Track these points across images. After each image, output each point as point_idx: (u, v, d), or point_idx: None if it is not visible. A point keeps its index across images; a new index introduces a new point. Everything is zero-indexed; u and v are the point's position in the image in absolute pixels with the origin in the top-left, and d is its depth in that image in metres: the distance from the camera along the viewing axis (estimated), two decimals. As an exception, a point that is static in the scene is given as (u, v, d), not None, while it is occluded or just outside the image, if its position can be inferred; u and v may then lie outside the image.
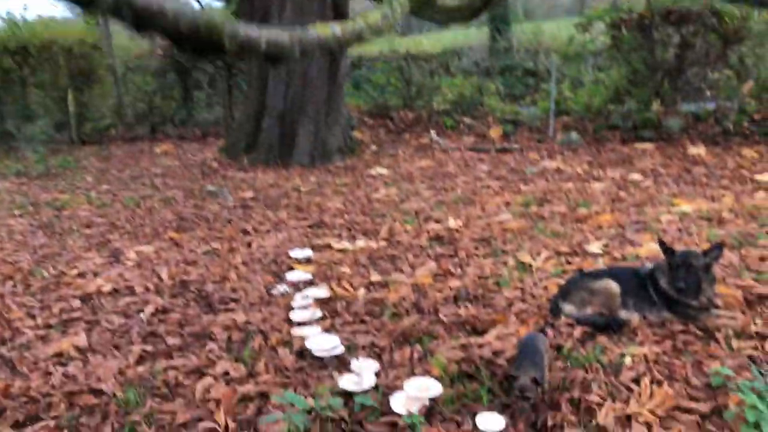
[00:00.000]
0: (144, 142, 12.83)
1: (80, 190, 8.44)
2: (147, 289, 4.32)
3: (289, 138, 9.59)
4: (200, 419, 2.63)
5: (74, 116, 13.00)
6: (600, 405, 2.55)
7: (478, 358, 3.00)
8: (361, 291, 4.05)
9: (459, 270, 4.39)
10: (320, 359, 3.10)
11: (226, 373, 3.01)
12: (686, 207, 5.75)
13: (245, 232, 5.80)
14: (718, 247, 3.39)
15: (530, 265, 4.39)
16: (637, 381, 2.74)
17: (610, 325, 3.28)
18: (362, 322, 3.58)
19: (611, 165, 8.14)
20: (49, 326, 3.76)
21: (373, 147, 10.45)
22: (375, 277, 4.30)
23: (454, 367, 2.93)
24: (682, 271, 3.28)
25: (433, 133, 10.81)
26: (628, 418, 2.49)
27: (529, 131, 10.89)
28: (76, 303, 4.12)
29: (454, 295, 3.88)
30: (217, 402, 2.74)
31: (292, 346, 3.25)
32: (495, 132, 10.75)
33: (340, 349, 3.13)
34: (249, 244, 5.38)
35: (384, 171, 8.55)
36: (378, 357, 3.13)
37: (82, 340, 3.45)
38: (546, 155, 9.00)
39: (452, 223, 5.57)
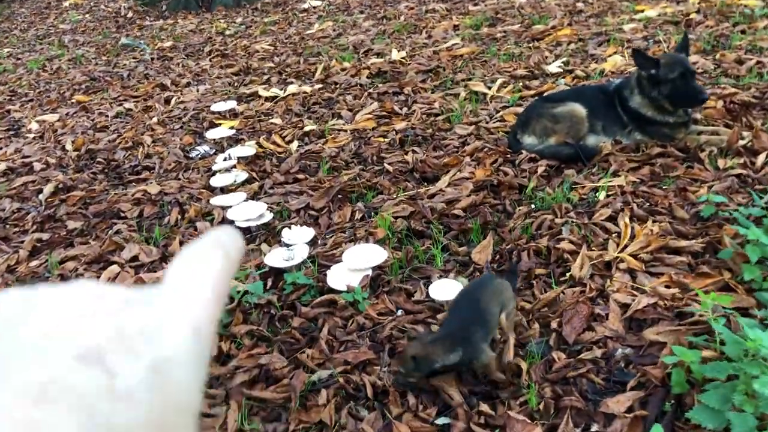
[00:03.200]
0: (50, -5, 11.42)
1: (-23, 57, 7.44)
2: (48, 165, 3.72)
3: (208, -25, 8.48)
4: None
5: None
6: (573, 253, 2.17)
7: (429, 211, 2.56)
8: (294, 144, 3.52)
9: (405, 109, 3.85)
10: (246, 231, 2.63)
11: (135, 259, 2.54)
12: (650, 12, 5.18)
13: (163, 88, 5.10)
14: (685, 37, 2.94)
15: (484, 95, 3.88)
16: (614, 219, 2.35)
17: (578, 155, 2.85)
18: (295, 181, 3.08)
19: (567, -26, 7.38)
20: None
21: (306, -22, 9.39)
22: (310, 126, 3.75)
23: (401, 224, 2.50)
24: (688, 79, 2.80)
25: (370, -44, 9.73)
26: (608, 265, 2.11)
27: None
28: (-35, 189, 3.52)
29: (399, 138, 3.38)
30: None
31: (214, 218, 2.77)
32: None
33: (268, 217, 2.65)
34: (167, 101, 4.72)
35: (318, 3, 7.66)
36: (315, 222, 2.68)
37: (-37, 235, 2.91)
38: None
39: (395, 54, 4.93)
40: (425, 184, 2.89)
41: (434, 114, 3.70)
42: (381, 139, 3.44)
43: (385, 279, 2.19)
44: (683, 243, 2.12)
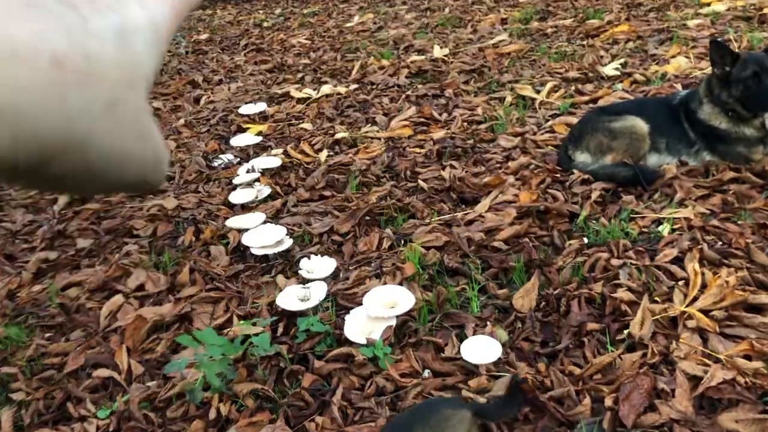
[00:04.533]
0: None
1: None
2: (67, 171, 3.54)
3: (249, -36, 8.27)
4: (96, 365, 1.97)
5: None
6: (633, 304, 1.85)
7: (466, 241, 2.27)
8: (323, 154, 3.25)
9: (445, 114, 3.55)
10: (263, 258, 2.38)
11: (141, 288, 2.31)
12: (718, 5, 4.74)
13: (194, 85, 4.89)
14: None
15: (532, 100, 3.54)
16: (680, 261, 2.02)
17: (637, 178, 2.51)
18: (321, 198, 2.82)
19: (624, -38, 6.90)
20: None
21: (349, -34, 9.08)
22: (341, 133, 3.48)
23: (433, 257, 2.22)
24: (763, 79, 2.44)
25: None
26: (673, 322, 1.79)
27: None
28: (-19, 196, 3.37)
29: (437, 150, 3.08)
30: (122, 333, 2.07)
31: (229, 243, 2.53)
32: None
33: (287, 243, 2.40)
34: (197, 100, 4.51)
35: (360, -7, 7.36)
36: (338, 249, 2.41)
37: (-31, 251, 2.74)
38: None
39: (437, 51, 4.62)
40: (463, 206, 2.60)
41: (476, 121, 3.39)
42: (417, 150, 3.15)
43: (412, 327, 1.91)
44: (766, 298, 1.79)
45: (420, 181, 2.80)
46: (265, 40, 5.96)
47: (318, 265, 2.21)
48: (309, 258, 2.27)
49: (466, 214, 2.48)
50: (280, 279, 2.23)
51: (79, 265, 2.55)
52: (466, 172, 2.84)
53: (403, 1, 6.69)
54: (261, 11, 7.36)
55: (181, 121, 4.08)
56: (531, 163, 2.79)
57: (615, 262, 2.04)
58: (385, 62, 4.59)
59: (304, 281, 2.15)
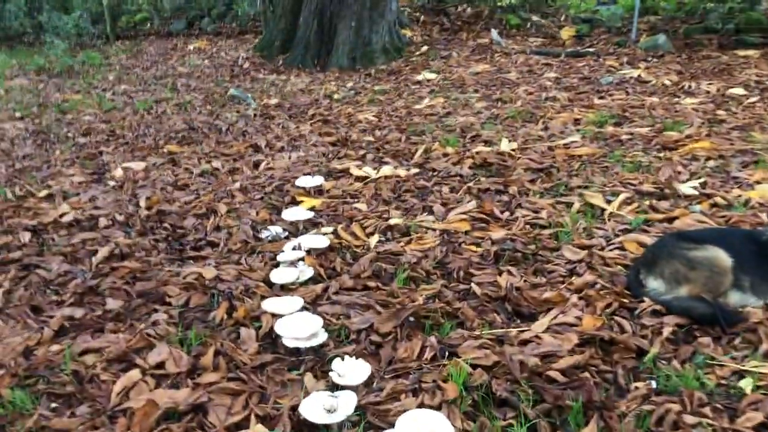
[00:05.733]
0: (179, 37, 11.84)
1: (96, 91, 7.63)
2: (113, 222, 3.48)
3: (327, 36, 8.45)
4: (95, 451, 1.80)
5: (108, 8, 12.07)
6: (707, 476, 1.58)
7: (519, 365, 2.04)
8: (374, 239, 3.09)
9: (506, 213, 3.36)
10: (294, 350, 2.20)
11: (161, 365, 2.15)
12: (808, 132, 4.49)
13: (256, 149, 4.87)
14: None
15: (602, 210, 3.33)
16: (765, 429, 1.74)
17: (716, 317, 2.25)
18: (365, 289, 2.64)
19: (706, 76, 6.73)
20: (-24, 270, 2.97)
21: (424, 48, 9.19)
22: (395, 219, 3.33)
23: (479, 379, 1.99)
24: None
25: (494, 32, 9.44)
26: (756, 508, 1.51)
27: (608, 33, 9.33)
28: (26, 237, 3.31)
29: (495, 251, 2.88)
30: (131, 417, 1.90)
31: (261, 327, 2.36)
32: (567, 33, 9.28)
33: (322, 337, 2.21)
34: (256, 165, 4.46)
35: (432, 76, 7.37)
36: (375, 351, 2.21)
37: (-4, 297, 2.64)
38: (626, 62, 7.59)
39: (505, 145, 4.48)
40: (518, 321, 2.37)
41: (540, 225, 3.19)
42: (473, 249, 2.96)
43: (447, 463, 1.67)
44: None
45: (473, 285, 2.60)
46: (333, 112, 5.96)
47: (351, 369, 2.01)
48: (342, 359, 2.07)
49: (521, 331, 2.26)
50: (309, 378, 2.03)
51: (103, 329, 2.41)
52: (525, 281, 2.62)
53: (475, 89, 6.64)
54: (333, 83, 7.42)
55: (237, 184, 4.00)
56: (597, 282, 2.56)
57: (688, 419, 1.77)
58: (449, 149, 4.47)
59: (334, 387, 1.95)
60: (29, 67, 9.30)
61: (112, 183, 4.20)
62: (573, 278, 2.63)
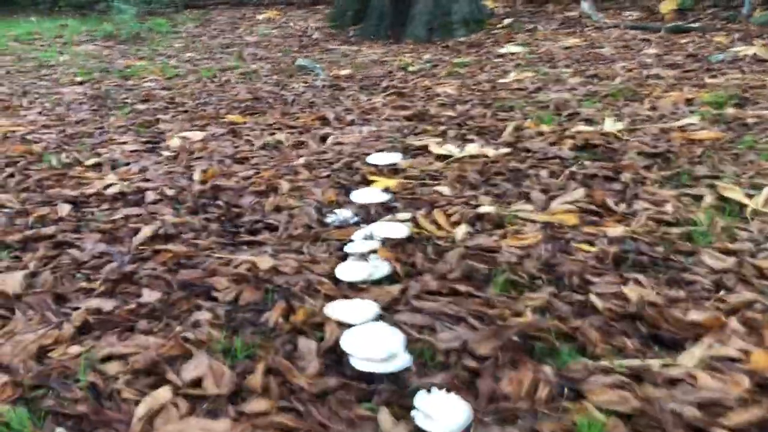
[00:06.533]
0: (249, 7, 11.50)
1: (160, 58, 7.33)
2: (162, 197, 3.06)
3: (403, 6, 7.89)
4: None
5: (179, -25, 11.85)
6: None
7: (670, 416, 1.48)
8: (461, 230, 2.56)
9: (623, 205, 2.78)
10: (367, 375, 1.70)
11: (197, 383, 1.69)
12: None
13: (324, 122, 4.39)
14: None
15: (741, 206, 2.70)
16: None
17: None
18: (453, 293, 2.12)
19: (836, 54, 5.86)
20: (4, 245, 2.59)
21: (507, 20, 8.50)
22: (486, 206, 2.79)
23: (615, 430, 1.45)
24: None
25: (584, 4, 8.66)
26: None
27: (714, 7, 8.43)
28: (64, 209, 2.93)
29: (614, 254, 2.31)
30: (153, 457, 1.45)
31: (324, 338, 1.87)
32: (667, 6, 8.41)
33: (404, 361, 1.71)
34: (323, 139, 3.98)
35: (517, 49, 6.73)
36: (471, 383, 1.69)
37: (15, 281, 2.24)
38: (738, 39, 6.75)
39: (610, 125, 3.85)
40: (657, 349, 1.81)
41: (666, 222, 2.59)
42: (585, 248, 2.39)
43: None
44: None
45: (592, 296, 2.04)
46: (408, 85, 5.43)
47: (441, 408, 1.50)
48: (429, 391, 1.56)
49: (665, 365, 1.69)
50: (385, 418, 1.53)
51: (133, 327, 1.98)
52: (659, 294, 2.04)
53: (566, 64, 5.98)
54: (408, 55, 6.88)
55: (302, 160, 3.53)
56: (758, 302, 1.97)
57: None
58: (545, 127, 3.88)
59: (419, 433, 1.45)
60: (98, 33, 9.13)
61: (166, 153, 3.80)
62: (723, 293, 2.04)
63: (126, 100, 5.22)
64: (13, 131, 4.31)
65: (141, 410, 1.59)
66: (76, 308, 2.07)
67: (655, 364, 1.70)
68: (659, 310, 1.93)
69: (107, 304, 2.09)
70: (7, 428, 1.55)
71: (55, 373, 1.76)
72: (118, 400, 1.66)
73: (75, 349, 1.86)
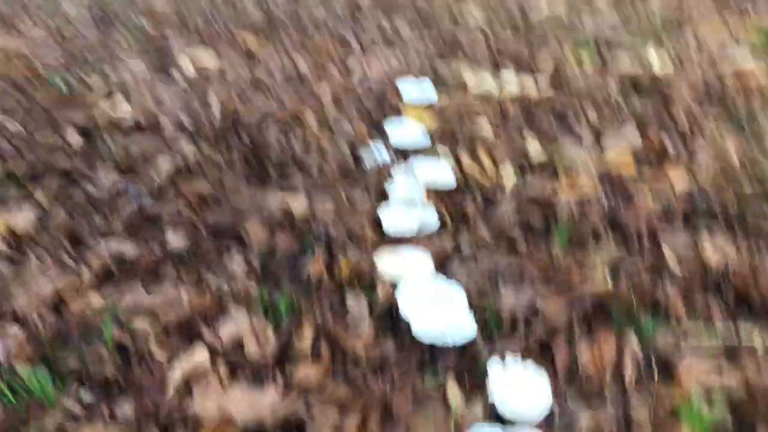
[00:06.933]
0: None
1: (163, -27, 6.87)
2: (181, 128, 2.82)
3: None
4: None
5: None
6: None
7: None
8: (510, 176, 2.35)
9: (681, 148, 2.55)
10: (427, 347, 1.52)
11: (237, 345, 1.51)
12: None
13: (345, 46, 4.08)
14: None
15: (813, 156, 2.49)
16: None
17: None
18: (511, 248, 1.92)
19: None
20: (10, 174, 2.37)
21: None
22: (535, 147, 2.56)
23: (719, 409, 1.28)
24: None
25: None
26: None
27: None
28: (74, 138, 2.69)
29: (682, 210, 2.10)
30: (194, 428, 1.28)
31: (376, 293, 1.68)
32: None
33: (468, 332, 1.52)
34: (347, 67, 3.69)
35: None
36: (541, 351, 1.51)
37: (27, 219, 2.02)
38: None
39: (656, 61, 3.58)
40: (744, 318, 1.63)
41: (734, 174, 2.38)
42: (649, 198, 2.18)
43: None
44: None
45: (665, 255, 1.85)
46: (434, 9, 5.07)
47: (518, 382, 1.33)
48: (503, 361, 1.38)
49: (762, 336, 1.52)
50: (454, 393, 1.36)
51: (159, 274, 1.78)
52: (739, 254, 1.85)
53: (598, -9, 5.60)
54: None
55: (327, 89, 3.27)
56: None
57: None
58: (586, 61, 3.60)
59: (493, 412, 1.27)
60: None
61: (179, 78, 3.52)
62: (812, 257, 1.85)
63: (132, 18, 4.87)
64: (16, 51, 4.00)
65: (176, 376, 1.41)
66: (95, 252, 1.87)
67: (756, 339, 1.52)
68: (743, 275, 1.74)
69: (129, 249, 1.89)
70: (29, 394, 1.37)
71: (77, 328, 1.57)
72: (150, 362, 1.48)
73: (96, 300, 1.67)
